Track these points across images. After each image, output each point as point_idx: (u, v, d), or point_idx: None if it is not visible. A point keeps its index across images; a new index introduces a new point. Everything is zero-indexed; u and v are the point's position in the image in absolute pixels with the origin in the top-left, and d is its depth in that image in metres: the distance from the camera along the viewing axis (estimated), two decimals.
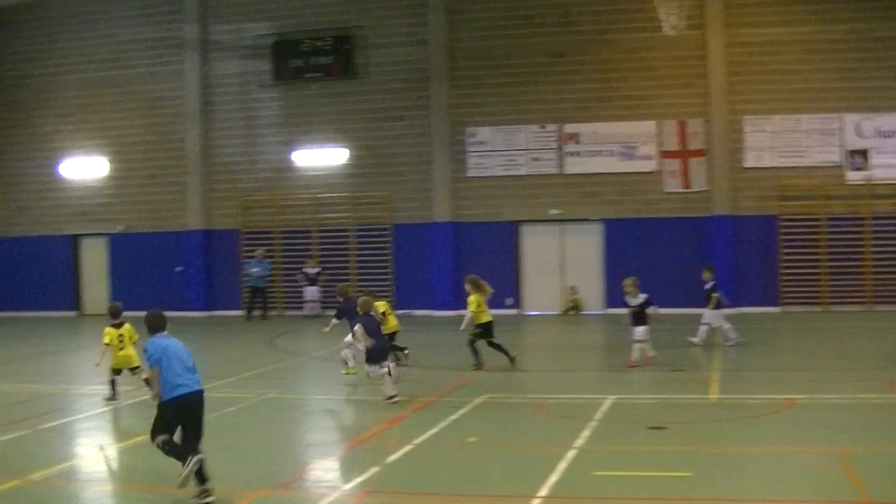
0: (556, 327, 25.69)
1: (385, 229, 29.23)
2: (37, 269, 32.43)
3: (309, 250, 29.68)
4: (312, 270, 28.98)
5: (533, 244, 28.55)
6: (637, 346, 17.20)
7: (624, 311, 17.63)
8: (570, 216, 28.03)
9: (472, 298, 17.29)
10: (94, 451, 12.30)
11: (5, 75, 32.81)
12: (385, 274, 29.12)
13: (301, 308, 29.11)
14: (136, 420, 13.60)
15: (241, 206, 30.40)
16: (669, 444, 11.45)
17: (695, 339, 19.47)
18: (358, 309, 14.84)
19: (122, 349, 14.76)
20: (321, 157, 29.79)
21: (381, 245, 29.30)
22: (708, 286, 19.54)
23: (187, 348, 9.74)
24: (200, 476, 9.13)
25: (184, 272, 30.67)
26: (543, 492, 9.35)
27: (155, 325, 9.65)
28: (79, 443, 12.93)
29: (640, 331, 17.14)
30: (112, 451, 12.29)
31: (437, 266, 28.62)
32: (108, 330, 14.78)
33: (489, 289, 17.60)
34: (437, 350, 21.39)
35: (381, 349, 14.52)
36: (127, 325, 14.89)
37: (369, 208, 29.42)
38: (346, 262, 29.32)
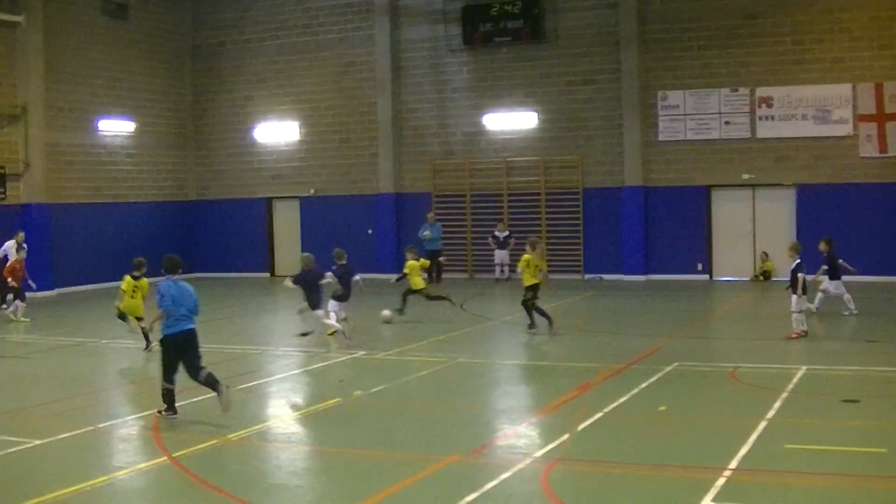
0: (747, 294, 28.64)
1: (575, 194, 33.19)
2: (232, 232, 37.95)
3: (499, 214, 34.14)
4: (502, 234, 33.27)
5: (724, 209, 31.92)
6: (793, 316, 19.09)
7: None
8: (762, 181, 31.23)
9: (527, 258, 20.54)
10: (289, 412, 14.38)
11: (202, 44, 38.28)
12: (574, 238, 33.19)
13: (491, 271, 33.70)
14: (327, 383, 16.22)
15: (431, 170, 35.11)
16: (863, 419, 12.38)
17: (812, 307, 21.75)
18: (301, 264, 19.72)
19: (133, 298, 19.63)
20: (511, 121, 33.78)
21: (571, 210, 33.24)
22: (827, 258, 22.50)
23: (194, 293, 13.26)
24: (170, 400, 13.13)
25: (374, 235, 35.67)
26: (733, 464, 10.38)
27: (169, 268, 13.36)
28: (274, 404, 15.08)
29: (793, 300, 19.03)
30: (305, 414, 14.08)
31: (626, 231, 32.38)
32: (128, 279, 19.80)
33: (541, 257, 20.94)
34: (627, 317, 24.25)
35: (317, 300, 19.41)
36: (144, 280, 19.76)
37: (559, 172, 33.33)
38: (537, 226, 33.28)
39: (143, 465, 11.36)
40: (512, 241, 32.73)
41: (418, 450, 11.66)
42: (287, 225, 37.61)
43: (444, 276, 33.13)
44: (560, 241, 33.02)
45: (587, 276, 32.64)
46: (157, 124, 37.27)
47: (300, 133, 36.87)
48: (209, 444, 12.04)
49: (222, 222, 38.14)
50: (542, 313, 20.75)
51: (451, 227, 34.48)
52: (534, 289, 20.67)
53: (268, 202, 37.87)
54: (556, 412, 13.36)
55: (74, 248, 33.14)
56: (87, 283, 33.11)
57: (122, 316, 20.07)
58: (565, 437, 11.80)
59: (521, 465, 10.66)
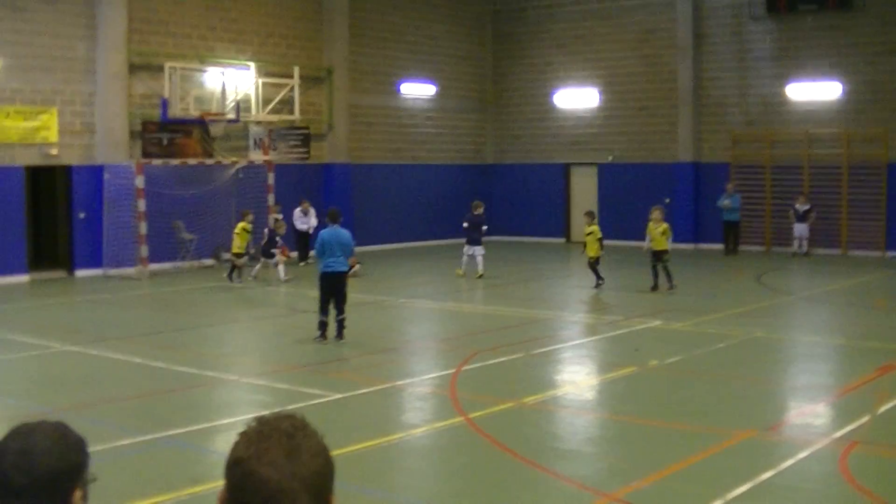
0: None
1: (878, 168, 36.65)
2: (529, 197, 43.64)
3: (799, 186, 38.06)
4: (803, 207, 36.98)
5: None
6: None
7: None
8: None
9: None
10: (584, 378, 16.09)
11: (503, 8, 43.99)
12: (876, 214, 36.63)
13: (790, 245, 37.75)
14: (623, 351, 18.09)
15: (731, 140, 39.52)
16: None
17: None
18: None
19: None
20: (814, 91, 37.54)
21: (874, 184, 36.71)
22: None
23: (347, 238, 18.13)
24: (323, 328, 18.51)
25: (671, 204, 40.50)
26: None
27: (331, 218, 18.94)
28: (569, 370, 16.89)
29: None
30: (600, 381, 15.84)
31: None
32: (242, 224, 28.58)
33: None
34: None
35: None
36: (241, 224, 28.26)
37: (863, 146, 36.90)
38: (838, 200, 37.06)
39: (439, 423, 13.03)
40: (813, 214, 36.50)
41: (713, 423, 12.80)
42: (584, 191, 42.88)
43: (740, 247, 37.36)
44: (861, 217, 36.79)
45: (889, 254, 36.33)
46: (457, 88, 43.29)
47: (600, 99, 42.09)
48: (505, 406, 13.56)
49: (519, 186, 43.88)
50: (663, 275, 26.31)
51: (750, 199, 38.50)
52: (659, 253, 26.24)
53: (565, 167, 43.30)
54: (856, 392, 14.36)
55: (374, 208, 39.21)
56: (386, 243, 39.40)
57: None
58: (865, 418, 12.61)
59: (818, 445, 11.56)
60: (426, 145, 42.02)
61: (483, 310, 24.18)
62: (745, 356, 17.75)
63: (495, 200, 43.82)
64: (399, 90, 40.83)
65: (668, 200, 39.85)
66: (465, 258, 29.34)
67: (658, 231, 26.20)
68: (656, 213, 26.83)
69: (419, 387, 15.22)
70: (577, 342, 19.65)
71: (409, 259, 35.76)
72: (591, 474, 11.20)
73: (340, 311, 18.60)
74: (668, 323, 21.15)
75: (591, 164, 42.54)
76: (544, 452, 11.71)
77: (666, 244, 26.18)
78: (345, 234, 18.64)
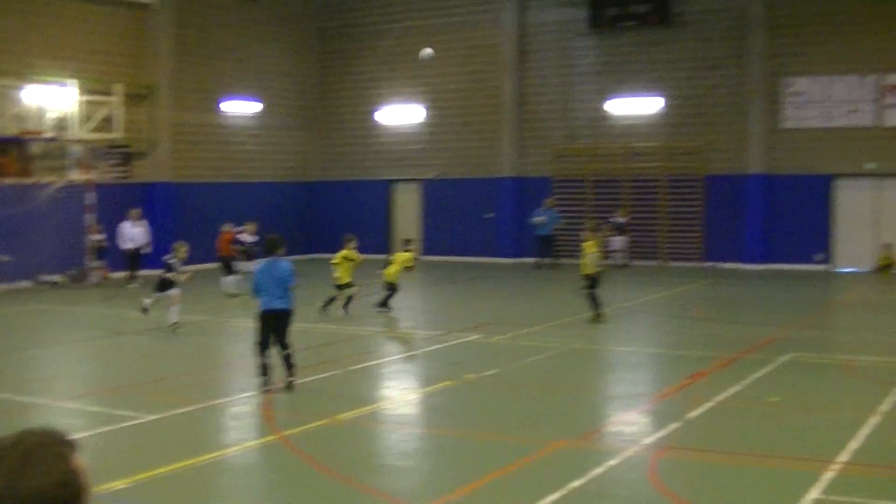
0: (868, 285, 31.79)
1: (696, 181, 37.08)
2: (353, 213, 42.87)
3: (620, 200, 38.42)
4: (622, 220, 37.37)
5: (847, 198, 35.47)
6: None
7: None
8: (887, 170, 34.67)
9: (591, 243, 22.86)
10: (400, 393, 16.02)
11: (328, 26, 43.14)
12: (694, 226, 37.13)
13: (609, 258, 37.84)
14: (441, 365, 17.96)
15: (553, 155, 39.41)
16: None
17: None
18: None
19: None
20: (635, 106, 37.81)
21: (692, 196, 37.13)
22: None
23: (289, 272, 15.32)
24: (265, 370, 15.35)
25: (493, 219, 40.51)
26: (843, 457, 11.31)
27: (268, 249, 16.20)
28: (385, 385, 17.01)
29: None
30: (416, 396, 15.77)
31: (749, 219, 36.10)
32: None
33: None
34: (744, 306, 27.05)
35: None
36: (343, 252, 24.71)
37: (682, 159, 37.27)
38: (656, 212, 37.42)
39: (253, 442, 12.95)
40: (630, 228, 36.88)
41: (527, 434, 12.89)
42: (408, 207, 42.55)
43: (560, 260, 37.00)
44: (680, 229, 37.18)
45: (707, 265, 36.70)
46: (283, 105, 42.34)
47: (425, 116, 41.61)
48: (319, 423, 13.40)
49: (344, 203, 43.20)
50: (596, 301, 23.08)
51: (571, 213, 38.27)
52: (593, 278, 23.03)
53: (389, 184, 42.91)
54: (668, 400, 14.79)
55: (197, 226, 37.46)
56: (210, 262, 38.30)
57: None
58: (675, 425, 13.01)
59: (628, 453, 11.79)
60: (250, 163, 41.09)
61: (302, 327, 23.28)
62: (562, 367, 17.99)
63: (319, 217, 43.25)
64: (223, 107, 39.75)
65: (490, 215, 39.86)
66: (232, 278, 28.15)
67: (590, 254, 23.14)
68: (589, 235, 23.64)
69: (235, 406, 14.92)
70: (395, 358, 19.58)
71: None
72: (406, 488, 11.19)
73: (285, 345, 15.68)
74: (487, 336, 20.99)
75: (416, 179, 42.14)
76: (360, 468, 11.66)
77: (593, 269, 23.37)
78: (282, 267, 15.82)
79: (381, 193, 42.92)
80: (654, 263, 37.32)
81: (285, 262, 16.04)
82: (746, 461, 11.62)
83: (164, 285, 22.49)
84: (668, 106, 37.74)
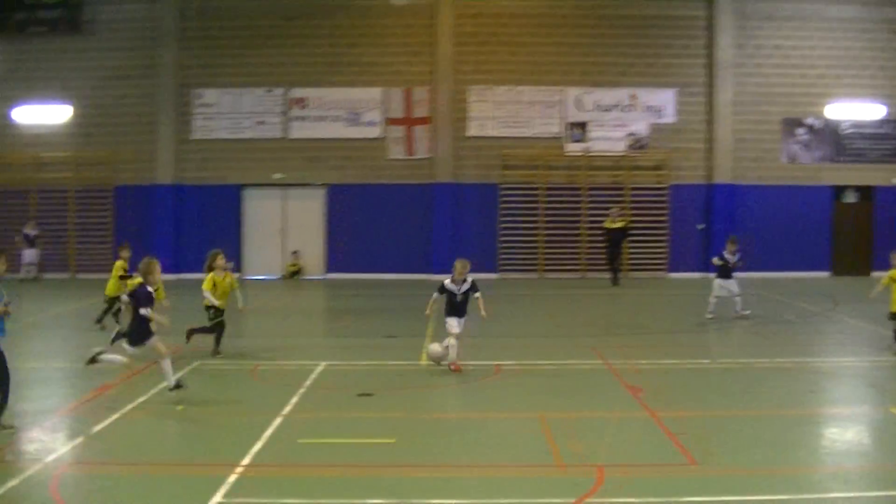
0: (276, 292, 32.27)
1: (107, 191, 36.09)
2: None
3: (28, 211, 36.34)
4: (32, 232, 35.36)
5: (256, 208, 35.95)
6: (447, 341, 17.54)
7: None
8: (293, 181, 35.51)
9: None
10: None
11: None
12: (105, 237, 35.72)
13: (18, 271, 35.88)
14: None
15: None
16: (376, 411, 14.32)
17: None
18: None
19: None
20: (43, 114, 36.28)
21: (102, 207, 36.08)
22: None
23: None
24: None
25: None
26: (246, 460, 11.72)
27: None
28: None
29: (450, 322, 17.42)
30: None
31: (158, 228, 35.52)
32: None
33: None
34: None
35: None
36: None
37: (92, 169, 36.15)
38: (65, 224, 36.01)
39: None
40: (41, 240, 35.22)
41: None
42: None
43: None
44: (90, 240, 36.05)
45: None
46: None
47: None
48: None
49: None
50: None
51: None
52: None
53: None
54: (72, 415, 14.32)
55: None
56: None
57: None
58: (79, 439, 12.82)
59: (30, 472, 11.35)
60: None
61: None
62: None
63: None
64: None
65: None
66: None
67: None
68: (220, 260, 19.36)
69: None
70: None
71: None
72: None
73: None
74: None
75: None
76: None
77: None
78: None
79: None
80: (65, 276, 35.88)
81: None
82: (153, 470, 11.56)
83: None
84: (77, 115, 36.51)
